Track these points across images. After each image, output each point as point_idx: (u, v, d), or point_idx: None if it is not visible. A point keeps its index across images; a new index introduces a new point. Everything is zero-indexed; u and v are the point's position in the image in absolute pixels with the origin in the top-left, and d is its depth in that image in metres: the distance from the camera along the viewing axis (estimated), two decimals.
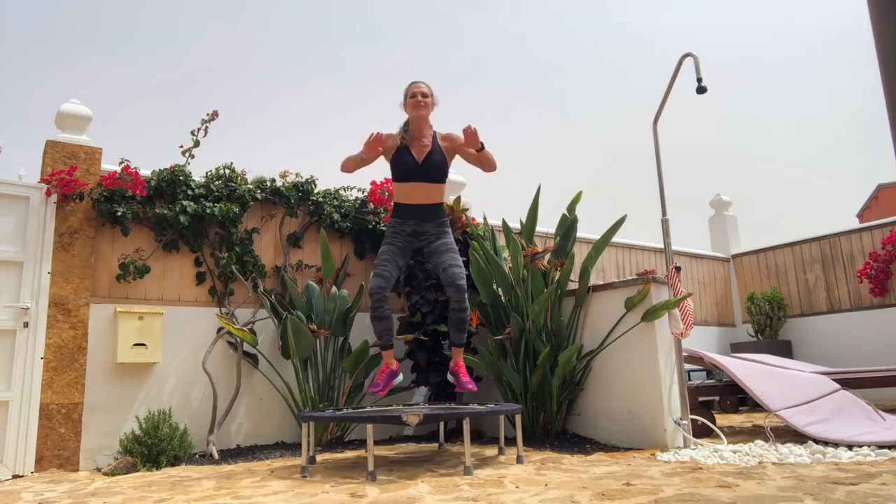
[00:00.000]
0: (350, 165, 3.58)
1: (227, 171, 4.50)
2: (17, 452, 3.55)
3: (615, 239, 6.44)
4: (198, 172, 4.40)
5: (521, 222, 4.49)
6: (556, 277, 4.28)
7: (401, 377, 3.61)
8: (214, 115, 4.36)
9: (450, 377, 3.67)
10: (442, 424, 4.10)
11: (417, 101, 3.52)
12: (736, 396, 5.41)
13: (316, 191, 4.80)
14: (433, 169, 3.50)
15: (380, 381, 3.49)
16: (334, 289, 4.47)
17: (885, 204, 22.68)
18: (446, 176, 3.58)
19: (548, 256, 4.44)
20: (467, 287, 4.59)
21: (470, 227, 4.65)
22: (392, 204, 3.63)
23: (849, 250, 6.75)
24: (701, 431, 4.04)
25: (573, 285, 5.15)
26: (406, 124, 3.60)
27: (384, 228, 4.75)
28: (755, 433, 4.18)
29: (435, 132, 3.61)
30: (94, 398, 3.83)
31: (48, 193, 3.86)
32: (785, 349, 6.81)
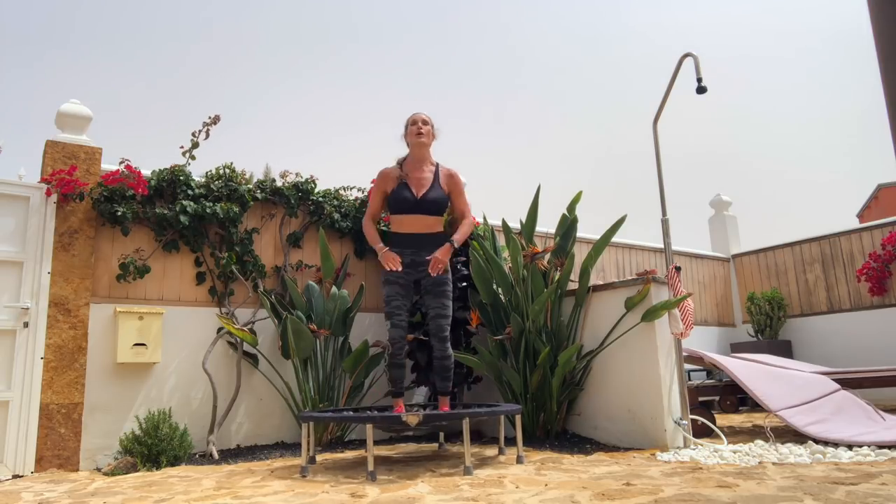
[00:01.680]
0: (368, 235, 3.64)
1: (227, 171, 4.50)
2: (17, 452, 3.55)
3: (615, 239, 6.44)
4: (198, 172, 4.40)
5: (521, 222, 4.49)
6: (556, 277, 4.28)
7: None
8: (216, 120, 4.36)
9: None
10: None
11: (418, 128, 3.55)
12: (736, 396, 5.41)
13: (316, 191, 4.80)
14: (432, 204, 3.50)
15: None
16: (334, 289, 4.47)
17: (885, 204, 22.70)
18: (445, 209, 3.59)
19: (548, 256, 4.44)
20: (466, 287, 4.60)
21: None
22: (389, 232, 3.63)
23: (849, 250, 6.75)
24: (701, 431, 4.04)
25: (573, 285, 5.15)
26: (405, 157, 3.63)
27: (385, 228, 4.75)
28: (755, 433, 4.18)
29: (437, 164, 3.63)
30: (94, 398, 3.83)
31: (48, 193, 3.86)
32: (785, 349, 6.81)
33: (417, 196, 3.49)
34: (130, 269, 4.04)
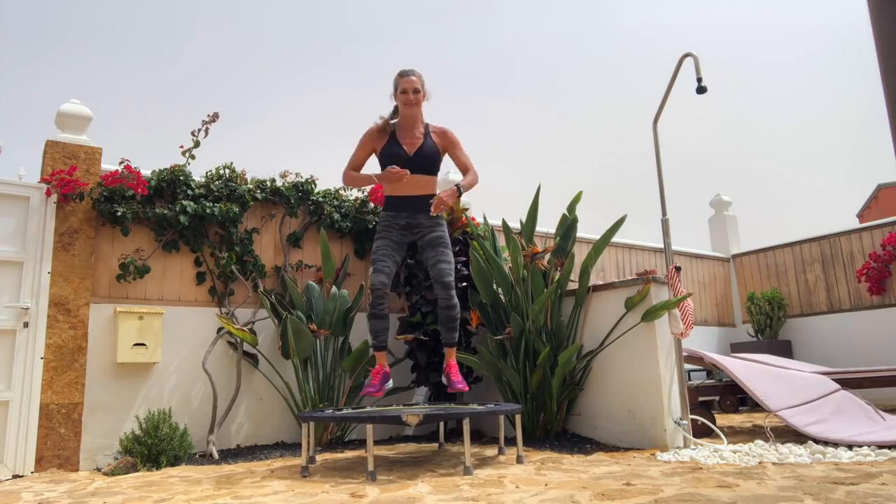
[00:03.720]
0: (353, 182, 3.54)
1: (227, 171, 4.50)
2: (17, 452, 3.55)
3: (615, 239, 6.44)
4: (198, 172, 4.40)
5: (521, 222, 4.49)
6: (556, 277, 4.28)
7: (391, 383, 3.55)
8: (215, 117, 4.36)
9: (443, 379, 3.62)
10: (442, 424, 4.09)
11: (408, 98, 3.44)
12: (736, 396, 5.41)
13: (316, 191, 4.80)
14: (425, 161, 3.44)
15: (375, 382, 3.43)
16: (334, 289, 4.47)
17: (885, 204, 22.71)
18: (438, 168, 3.52)
19: (548, 256, 4.44)
20: (466, 286, 4.60)
21: (470, 227, 4.65)
22: (385, 196, 3.57)
23: (849, 250, 6.75)
24: (701, 431, 4.04)
25: (573, 285, 5.15)
26: (395, 112, 3.56)
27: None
28: (755, 433, 4.18)
29: (427, 125, 3.56)
30: (94, 398, 3.83)
31: (48, 193, 3.86)
32: (785, 349, 6.81)
33: (410, 154, 3.42)
34: (130, 269, 4.04)
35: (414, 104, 3.45)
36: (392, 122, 3.55)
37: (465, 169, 3.58)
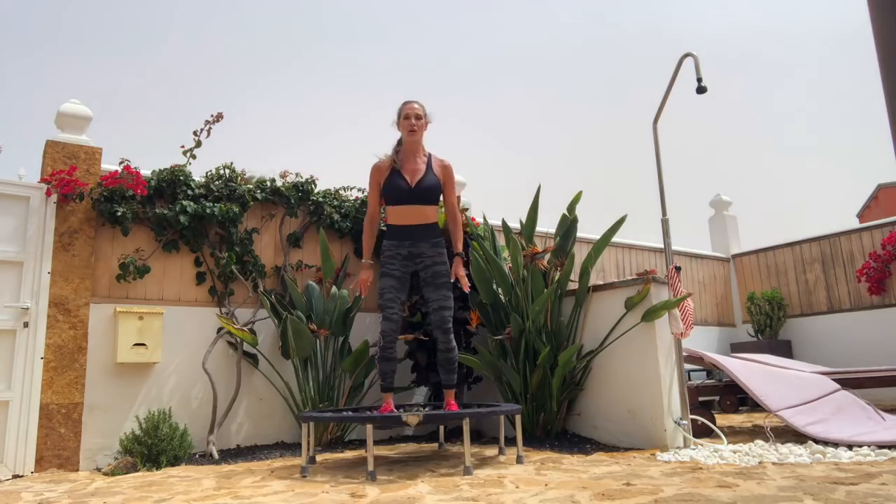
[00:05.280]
0: (366, 239, 3.70)
1: (227, 171, 4.50)
2: (17, 452, 3.55)
3: (615, 239, 6.43)
4: (198, 172, 4.40)
5: (521, 222, 4.49)
6: (556, 277, 4.28)
7: None
8: (219, 117, 4.36)
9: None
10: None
11: (411, 123, 3.53)
12: (736, 396, 5.40)
13: (316, 191, 4.80)
14: (426, 192, 3.52)
15: None
16: (334, 289, 4.47)
17: (885, 204, 22.70)
18: (439, 198, 3.60)
19: (548, 256, 4.44)
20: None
21: (470, 227, 4.65)
22: (387, 224, 3.64)
23: (849, 250, 6.75)
24: (701, 431, 4.04)
25: (573, 285, 5.15)
26: (399, 143, 3.63)
27: (384, 229, 4.75)
28: (755, 433, 4.18)
29: (430, 155, 3.64)
30: (94, 398, 3.83)
31: (48, 193, 3.86)
32: (785, 349, 6.81)
33: (412, 185, 3.50)
34: (130, 269, 4.04)
35: (416, 130, 3.54)
36: (396, 149, 3.62)
37: (451, 209, 3.70)
